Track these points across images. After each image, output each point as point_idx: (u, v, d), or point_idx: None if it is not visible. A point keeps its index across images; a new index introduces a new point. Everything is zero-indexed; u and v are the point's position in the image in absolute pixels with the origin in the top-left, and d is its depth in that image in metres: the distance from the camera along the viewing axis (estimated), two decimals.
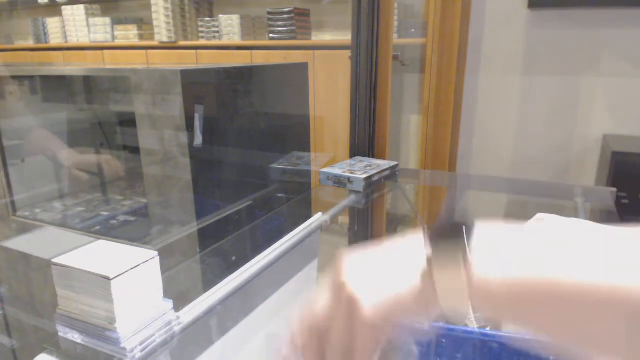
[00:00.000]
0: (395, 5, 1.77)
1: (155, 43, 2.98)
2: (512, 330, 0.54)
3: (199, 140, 0.89)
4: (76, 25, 3.39)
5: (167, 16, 2.89)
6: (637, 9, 1.83)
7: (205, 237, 0.93)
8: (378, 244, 0.39)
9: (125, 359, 0.51)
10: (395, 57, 1.53)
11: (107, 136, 1.34)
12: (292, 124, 1.26)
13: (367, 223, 1.11)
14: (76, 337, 0.54)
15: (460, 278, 0.32)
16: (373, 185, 1.19)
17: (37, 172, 1.27)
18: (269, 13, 2.66)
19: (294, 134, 1.27)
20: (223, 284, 0.69)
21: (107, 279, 0.49)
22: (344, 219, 1.07)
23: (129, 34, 3.18)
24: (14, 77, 1.26)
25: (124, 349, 0.51)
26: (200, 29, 2.91)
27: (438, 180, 1.53)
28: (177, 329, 0.58)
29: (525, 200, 1.19)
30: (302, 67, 1.29)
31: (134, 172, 1.29)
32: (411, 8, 2.41)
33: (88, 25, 3.32)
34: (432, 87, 2.01)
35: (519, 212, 1.10)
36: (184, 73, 0.85)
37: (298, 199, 1.21)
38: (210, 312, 0.63)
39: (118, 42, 3.22)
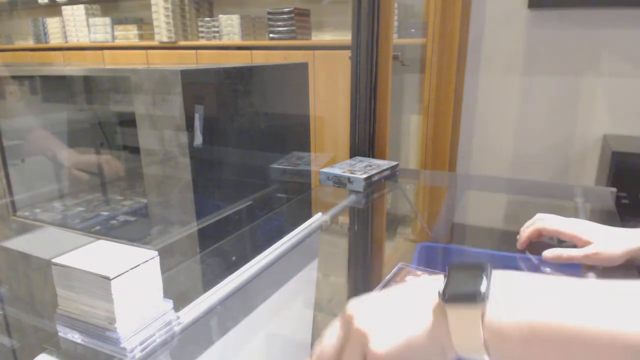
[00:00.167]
0: (395, 5, 1.77)
1: (155, 43, 2.98)
2: None
3: (199, 140, 0.89)
4: (76, 25, 3.39)
5: (167, 16, 2.89)
6: (637, 9, 1.83)
7: (205, 237, 0.93)
8: (393, 288, 0.40)
9: (125, 359, 0.51)
10: (395, 57, 1.53)
11: (107, 136, 1.34)
12: (292, 124, 1.26)
13: (367, 223, 1.11)
14: (76, 337, 0.54)
15: (475, 321, 0.33)
16: (373, 185, 1.19)
17: (37, 172, 1.27)
18: (269, 13, 2.66)
19: (294, 134, 1.27)
20: (223, 284, 0.69)
21: (107, 279, 0.49)
22: (344, 219, 1.07)
23: (129, 34, 3.18)
24: (14, 77, 1.26)
25: (124, 349, 0.51)
26: (200, 29, 2.91)
27: (438, 180, 1.53)
28: (177, 329, 0.58)
29: (525, 200, 1.19)
30: (302, 67, 1.29)
31: (134, 172, 1.29)
32: (411, 8, 2.41)
33: (88, 25, 3.32)
34: (432, 87, 2.01)
35: (519, 212, 1.10)
36: (184, 73, 0.85)
37: (298, 199, 1.21)
38: (210, 312, 0.63)
39: (118, 42, 3.22)
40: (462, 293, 0.34)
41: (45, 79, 1.29)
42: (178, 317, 0.59)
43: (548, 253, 0.72)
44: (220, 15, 2.80)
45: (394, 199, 1.27)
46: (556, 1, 1.94)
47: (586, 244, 0.68)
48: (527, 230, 0.78)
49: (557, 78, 2.03)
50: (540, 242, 0.78)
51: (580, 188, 1.21)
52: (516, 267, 0.76)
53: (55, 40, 3.55)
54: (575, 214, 0.98)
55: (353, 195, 1.14)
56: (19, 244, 1.06)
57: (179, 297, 0.62)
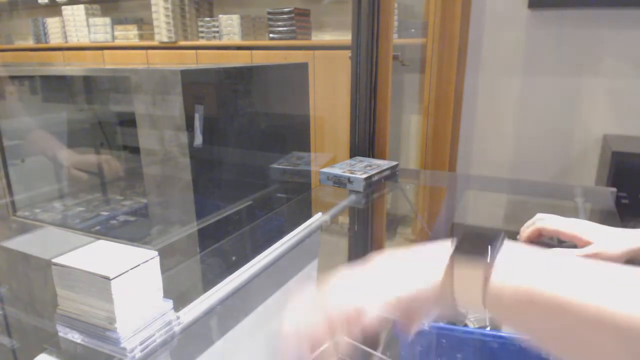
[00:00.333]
0: (395, 5, 1.77)
1: (155, 43, 2.98)
2: (512, 331, 0.54)
3: (199, 140, 0.89)
4: (76, 25, 3.39)
5: (167, 16, 2.89)
6: (637, 9, 1.83)
7: (205, 237, 0.93)
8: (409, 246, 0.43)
9: (125, 359, 0.51)
10: (395, 57, 1.53)
11: (107, 136, 1.34)
12: (292, 124, 1.26)
13: (367, 223, 1.11)
14: (76, 337, 0.54)
15: (479, 279, 0.36)
16: (373, 185, 1.18)
17: (37, 172, 1.27)
18: (269, 13, 2.66)
19: (294, 134, 1.27)
20: (223, 284, 0.69)
21: (107, 279, 0.49)
22: (344, 219, 1.07)
23: (129, 34, 3.18)
24: (14, 77, 1.26)
25: (124, 349, 0.51)
26: (200, 29, 2.91)
27: (438, 180, 1.53)
28: (177, 329, 0.58)
29: (525, 200, 1.19)
30: (302, 67, 1.29)
31: (134, 172, 1.29)
32: (411, 8, 2.41)
33: (88, 25, 3.32)
34: (432, 87, 2.01)
35: (519, 212, 1.10)
36: (184, 73, 0.85)
37: (298, 199, 1.21)
38: (210, 312, 0.63)
39: (118, 42, 3.22)
40: (473, 251, 0.37)
41: (45, 79, 1.29)
42: (178, 317, 0.59)
43: None
44: (220, 15, 2.80)
45: (394, 199, 1.27)
46: (556, 1, 1.94)
47: (586, 244, 0.68)
48: (527, 230, 0.78)
49: (557, 78, 2.03)
50: (540, 242, 0.78)
51: (580, 188, 1.21)
52: None
53: (55, 40, 3.55)
54: (575, 214, 0.98)
55: (353, 195, 1.14)
56: (19, 244, 1.06)
57: (179, 297, 0.62)
